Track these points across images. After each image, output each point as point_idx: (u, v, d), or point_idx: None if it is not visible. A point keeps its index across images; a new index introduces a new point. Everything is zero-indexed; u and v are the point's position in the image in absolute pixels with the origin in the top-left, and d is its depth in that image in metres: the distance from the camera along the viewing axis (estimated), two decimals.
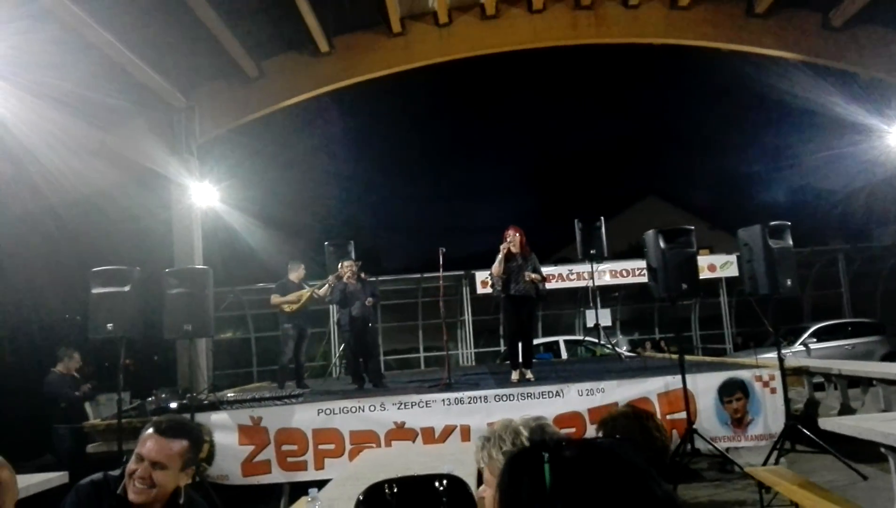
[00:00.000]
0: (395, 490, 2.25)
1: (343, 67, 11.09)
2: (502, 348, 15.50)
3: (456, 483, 2.24)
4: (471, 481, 2.48)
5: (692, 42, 11.39)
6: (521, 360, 7.57)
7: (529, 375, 7.34)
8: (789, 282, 6.72)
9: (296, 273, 8.79)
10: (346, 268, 8.12)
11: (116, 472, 2.32)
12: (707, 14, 11.11)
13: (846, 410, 7.96)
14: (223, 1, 8.75)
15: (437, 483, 2.27)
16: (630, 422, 2.13)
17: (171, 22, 8.87)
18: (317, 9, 9.63)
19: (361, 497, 2.26)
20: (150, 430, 2.26)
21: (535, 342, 14.71)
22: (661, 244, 6.79)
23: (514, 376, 7.42)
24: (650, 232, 6.96)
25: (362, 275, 8.25)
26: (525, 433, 1.44)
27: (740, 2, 10.94)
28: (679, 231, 6.91)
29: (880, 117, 11.18)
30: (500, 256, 7.23)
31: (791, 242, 6.87)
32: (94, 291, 6.39)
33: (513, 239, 7.25)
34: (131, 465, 2.25)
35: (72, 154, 8.11)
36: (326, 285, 8.62)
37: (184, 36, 9.22)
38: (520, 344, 7.61)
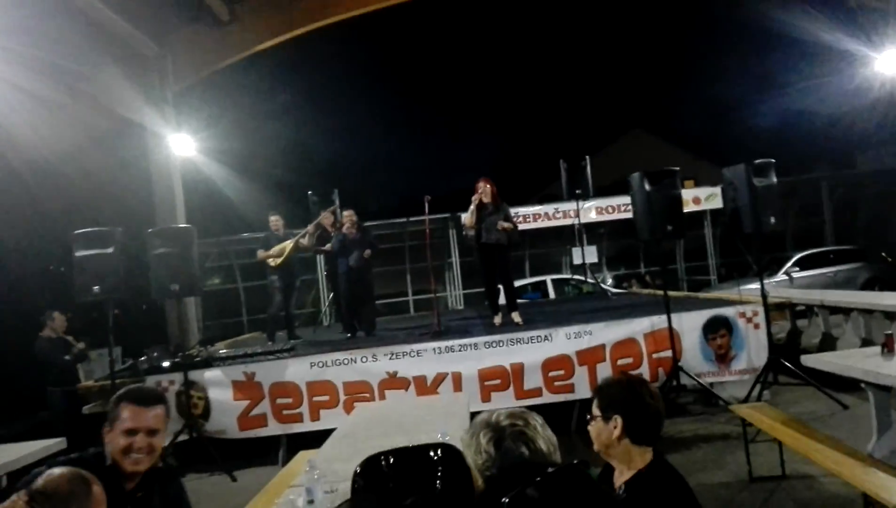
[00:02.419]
0: (391, 462, 2.29)
1: (318, 7, 10.75)
2: None
3: (451, 451, 2.28)
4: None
5: None
6: (505, 303, 7.78)
7: (518, 319, 7.44)
8: (773, 219, 6.76)
9: (276, 224, 8.70)
10: (347, 218, 8.15)
11: (90, 452, 2.33)
12: None
13: (827, 339, 8.15)
14: None
15: (431, 453, 2.31)
16: (624, 391, 2.15)
17: None
18: None
19: (359, 470, 2.30)
20: (133, 404, 2.31)
21: (523, 282, 14.86)
22: (646, 187, 6.77)
23: (497, 319, 7.62)
24: (635, 175, 6.92)
25: (343, 223, 8.22)
26: (483, 442, 1.44)
27: None
28: (664, 173, 6.87)
29: (867, 43, 11.02)
30: (472, 207, 7.38)
31: (775, 179, 6.84)
32: (78, 253, 6.32)
33: (484, 190, 7.37)
34: (122, 441, 2.27)
35: (43, 112, 7.87)
36: (308, 235, 8.59)
37: None
38: (500, 288, 7.82)
